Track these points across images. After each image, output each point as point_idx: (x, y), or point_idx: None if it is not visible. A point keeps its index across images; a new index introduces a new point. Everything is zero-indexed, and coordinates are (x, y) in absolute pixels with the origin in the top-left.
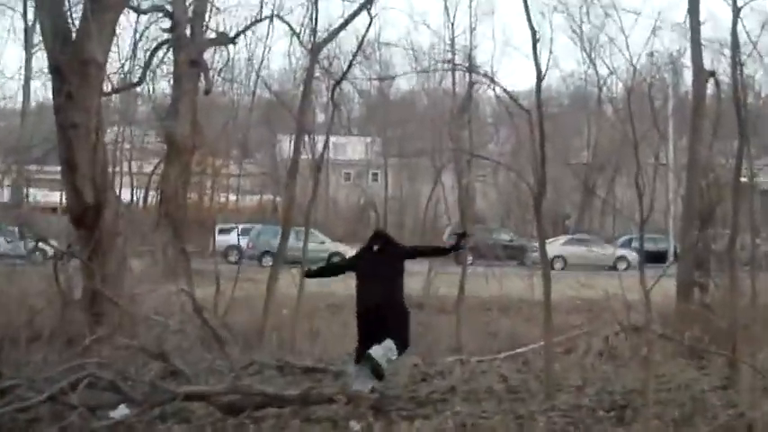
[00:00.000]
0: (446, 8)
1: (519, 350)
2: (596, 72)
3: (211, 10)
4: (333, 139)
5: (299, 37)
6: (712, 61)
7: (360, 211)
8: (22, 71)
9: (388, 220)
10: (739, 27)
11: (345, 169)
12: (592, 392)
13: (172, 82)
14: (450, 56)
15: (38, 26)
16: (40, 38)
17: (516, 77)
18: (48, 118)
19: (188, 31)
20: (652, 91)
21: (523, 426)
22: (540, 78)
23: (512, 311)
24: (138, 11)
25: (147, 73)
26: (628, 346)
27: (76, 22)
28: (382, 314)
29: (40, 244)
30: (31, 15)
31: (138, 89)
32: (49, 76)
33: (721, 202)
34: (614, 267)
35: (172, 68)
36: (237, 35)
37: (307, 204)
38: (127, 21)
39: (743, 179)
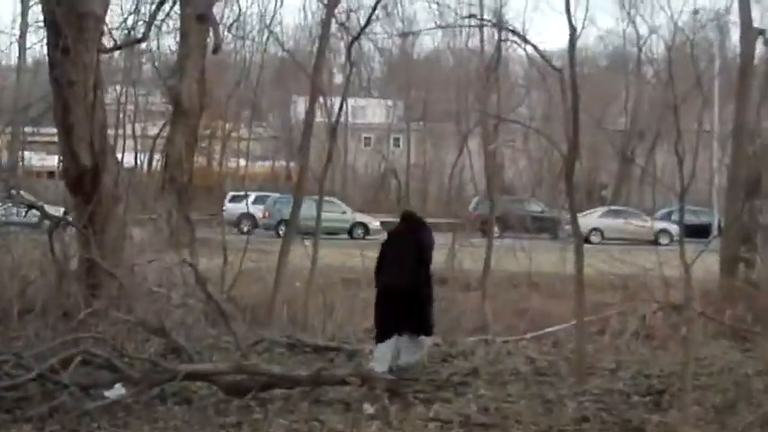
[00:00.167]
0: None
1: (548, 330)
2: (636, 31)
3: None
4: (351, 101)
5: None
6: (762, 18)
7: (380, 178)
8: (17, 25)
9: (411, 188)
10: None
11: (365, 134)
12: (626, 376)
13: (178, 38)
14: (477, 11)
15: None
16: None
17: (549, 36)
18: (45, 75)
19: None
20: (695, 51)
21: (552, 411)
22: (573, 34)
23: (542, 288)
24: None
25: (152, 28)
26: (666, 326)
27: None
28: (403, 298)
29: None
30: None
31: (142, 46)
32: (45, 30)
33: None
34: (655, 242)
35: (178, 24)
36: None
37: (321, 170)
38: None
39: None
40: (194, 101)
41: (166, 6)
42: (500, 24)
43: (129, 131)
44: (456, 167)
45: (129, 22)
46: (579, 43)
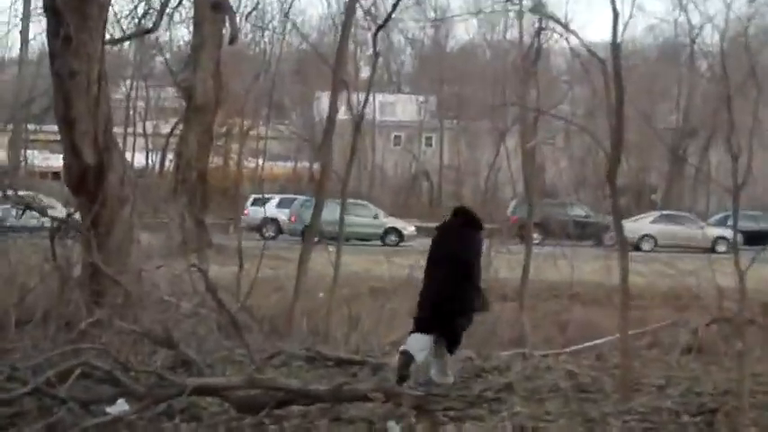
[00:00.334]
0: None
1: (591, 343)
2: (688, 20)
3: None
4: (379, 96)
5: None
6: None
7: (410, 180)
8: (20, 13)
9: (444, 191)
10: None
11: (394, 132)
12: (676, 393)
13: (191, 28)
14: None
15: None
16: None
17: (594, 28)
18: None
19: None
20: (752, 41)
21: (593, 430)
22: (616, 19)
23: (585, 299)
24: None
25: (163, 18)
26: (720, 340)
27: None
28: (439, 302)
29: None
30: None
31: (153, 37)
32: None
33: None
34: (712, 249)
35: (191, 13)
36: None
37: (344, 169)
38: None
39: None
40: (209, 96)
41: None
42: (540, 11)
43: (139, 129)
44: (492, 168)
45: (139, 11)
46: (626, 35)
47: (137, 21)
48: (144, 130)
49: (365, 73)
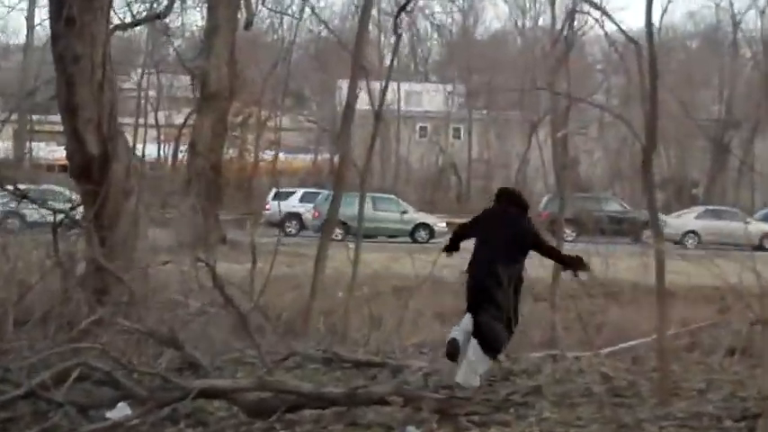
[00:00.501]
0: None
1: (627, 345)
2: (731, 5)
3: None
4: (405, 85)
5: None
6: None
7: (438, 174)
8: None
9: (472, 185)
10: None
11: (420, 123)
12: (717, 398)
13: (205, 13)
14: None
15: None
16: None
17: (632, 14)
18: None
19: None
20: None
21: None
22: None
23: (621, 299)
24: None
25: (175, 2)
26: (766, 342)
27: None
28: (485, 290)
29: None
30: None
31: (165, 22)
32: None
33: None
34: (760, 246)
35: None
36: None
37: (364, 160)
38: None
39: None
40: (223, 84)
41: None
42: None
43: (151, 120)
44: (523, 161)
45: None
46: (665, 21)
47: (148, 5)
48: (156, 120)
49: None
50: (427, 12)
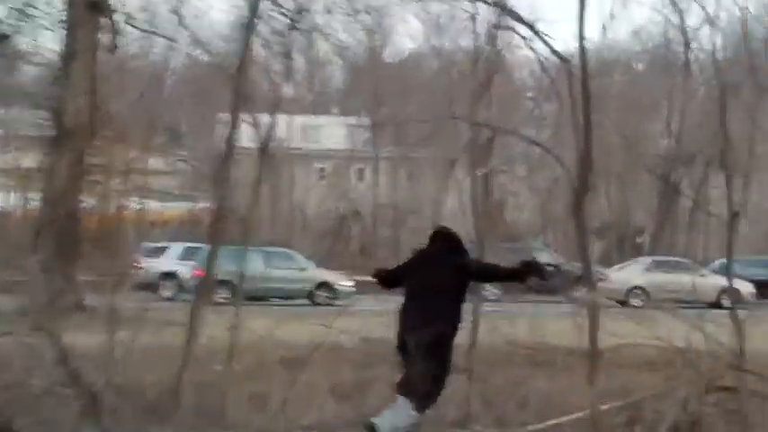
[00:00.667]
0: None
1: (555, 421)
2: (682, 20)
3: None
4: (300, 118)
5: None
6: None
7: (338, 222)
8: None
9: (378, 235)
10: None
11: (319, 162)
12: None
13: (64, 34)
14: None
15: None
16: None
17: (566, 30)
18: None
19: None
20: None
21: None
22: (582, 6)
23: (551, 367)
24: None
25: (25, 20)
26: (721, 415)
27: None
28: (418, 344)
29: None
30: None
31: (13, 44)
32: None
33: None
34: (717, 303)
35: (64, 15)
36: None
37: (247, 205)
38: None
39: None
40: (83, 118)
41: None
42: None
43: None
44: (438, 205)
45: None
46: (608, 39)
47: None
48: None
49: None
50: (327, 31)
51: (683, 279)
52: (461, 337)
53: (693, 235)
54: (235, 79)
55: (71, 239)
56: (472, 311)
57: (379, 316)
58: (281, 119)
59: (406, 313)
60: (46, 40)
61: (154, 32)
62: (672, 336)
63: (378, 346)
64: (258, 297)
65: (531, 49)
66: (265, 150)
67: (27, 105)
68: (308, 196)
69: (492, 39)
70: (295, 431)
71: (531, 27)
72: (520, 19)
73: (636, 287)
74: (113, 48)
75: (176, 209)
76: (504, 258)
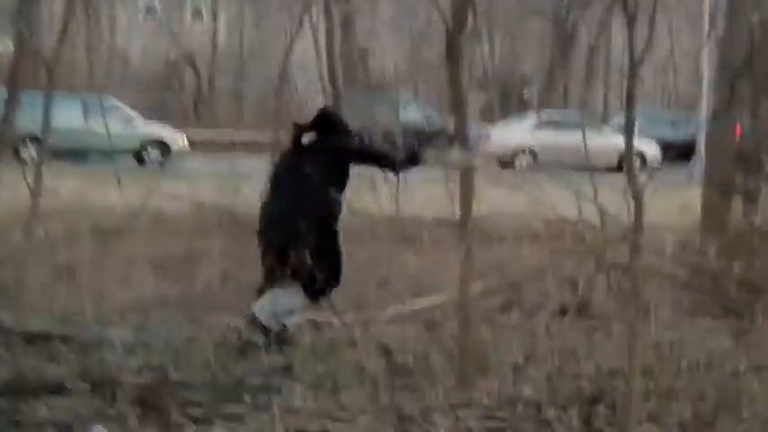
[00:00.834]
0: None
1: (419, 304)
2: None
3: None
4: None
5: None
6: None
7: (168, 70)
8: None
9: (217, 87)
10: None
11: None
12: (540, 376)
13: None
14: None
15: None
16: None
17: None
18: None
19: None
20: None
21: None
22: None
23: (419, 242)
24: None
25: None
26: (612, 298)
27: None
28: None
29: None
30: None
31: None
32: None
33: None
34: (619, 168)
35: None
36: None
37: (54, 45)
38: None
39: None
40: None
41: None
42: None
43: None
44: (290, 52)
45: None
46: None
47: None
48: None
49: None
50: None
51: (578, 139)
52: None
53: (591, 87)
54: None
55: None
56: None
57: (214, 179)
58: None
59: (274, 203)
60: None
61: None
62: (561, 205)
63: (211, 214)
64: (76, 154)
65: None
66: None
67: None
68: (131, 39)
69: None
70: (106, 314)
71: None
72: None
73: (522, 148)
74: None
75: None
76: (365, 112)
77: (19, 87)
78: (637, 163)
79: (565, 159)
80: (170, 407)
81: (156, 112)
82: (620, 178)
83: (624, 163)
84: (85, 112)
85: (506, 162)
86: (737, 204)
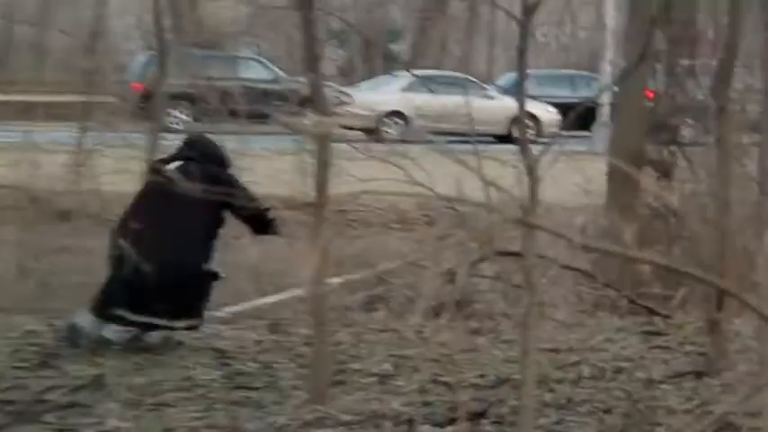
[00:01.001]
0: None
1: (261, 301)
2: None
3: None
4: None
5: None
6: None
7: None
8: None
9: (17, 40)
10: None
11: None
12: (411, 387)
13: None
14: None
15: None
16: None
17: None
18: None
19: None
20: None
21: None
22: None
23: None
24: None
25: None
26: (500, 288)
27: None
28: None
29: None
30: None
31: None
32: None
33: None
34: (509, 136)
35: None
36: None
37: None
38: None
39: None
40: None
41: None
42: None
43: None
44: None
45: None
46: None
47: None
48: None
49: None
50: None
51: (459, 102)
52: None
53: (474, 41)
54: None
55: None
56: (150, 144)
57: (7, 151)
58: None
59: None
60: None
61: None
62: (438, 181)
63: (3, 194)
64: None
65: None
66: None
67: None
68: None
69: None
70: None
71: None
72: None
73: (390, 112)
74: None
75: None
76: (199, 72)
77: None
78: (530, 130)
79: (443, 126)
80: None
81: None
82: (511, 149)
83: (516, 130)
84: None
85: (372, 130)
86: (649, 179)
